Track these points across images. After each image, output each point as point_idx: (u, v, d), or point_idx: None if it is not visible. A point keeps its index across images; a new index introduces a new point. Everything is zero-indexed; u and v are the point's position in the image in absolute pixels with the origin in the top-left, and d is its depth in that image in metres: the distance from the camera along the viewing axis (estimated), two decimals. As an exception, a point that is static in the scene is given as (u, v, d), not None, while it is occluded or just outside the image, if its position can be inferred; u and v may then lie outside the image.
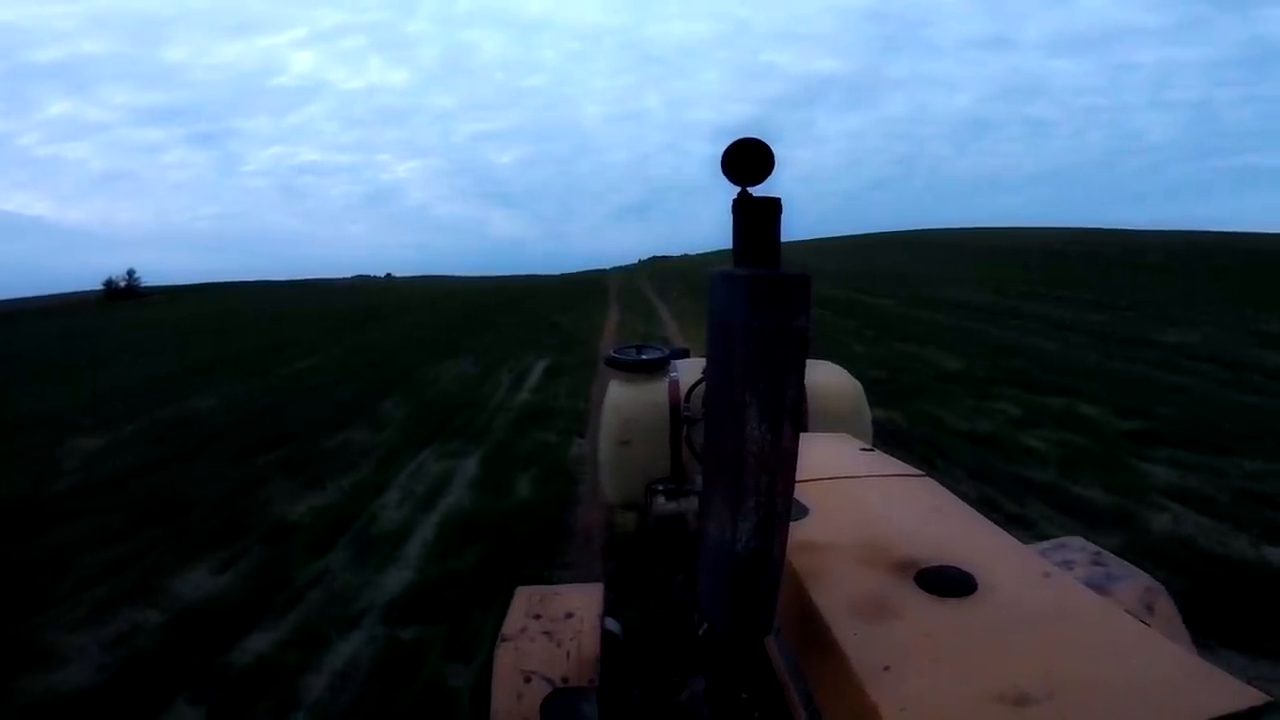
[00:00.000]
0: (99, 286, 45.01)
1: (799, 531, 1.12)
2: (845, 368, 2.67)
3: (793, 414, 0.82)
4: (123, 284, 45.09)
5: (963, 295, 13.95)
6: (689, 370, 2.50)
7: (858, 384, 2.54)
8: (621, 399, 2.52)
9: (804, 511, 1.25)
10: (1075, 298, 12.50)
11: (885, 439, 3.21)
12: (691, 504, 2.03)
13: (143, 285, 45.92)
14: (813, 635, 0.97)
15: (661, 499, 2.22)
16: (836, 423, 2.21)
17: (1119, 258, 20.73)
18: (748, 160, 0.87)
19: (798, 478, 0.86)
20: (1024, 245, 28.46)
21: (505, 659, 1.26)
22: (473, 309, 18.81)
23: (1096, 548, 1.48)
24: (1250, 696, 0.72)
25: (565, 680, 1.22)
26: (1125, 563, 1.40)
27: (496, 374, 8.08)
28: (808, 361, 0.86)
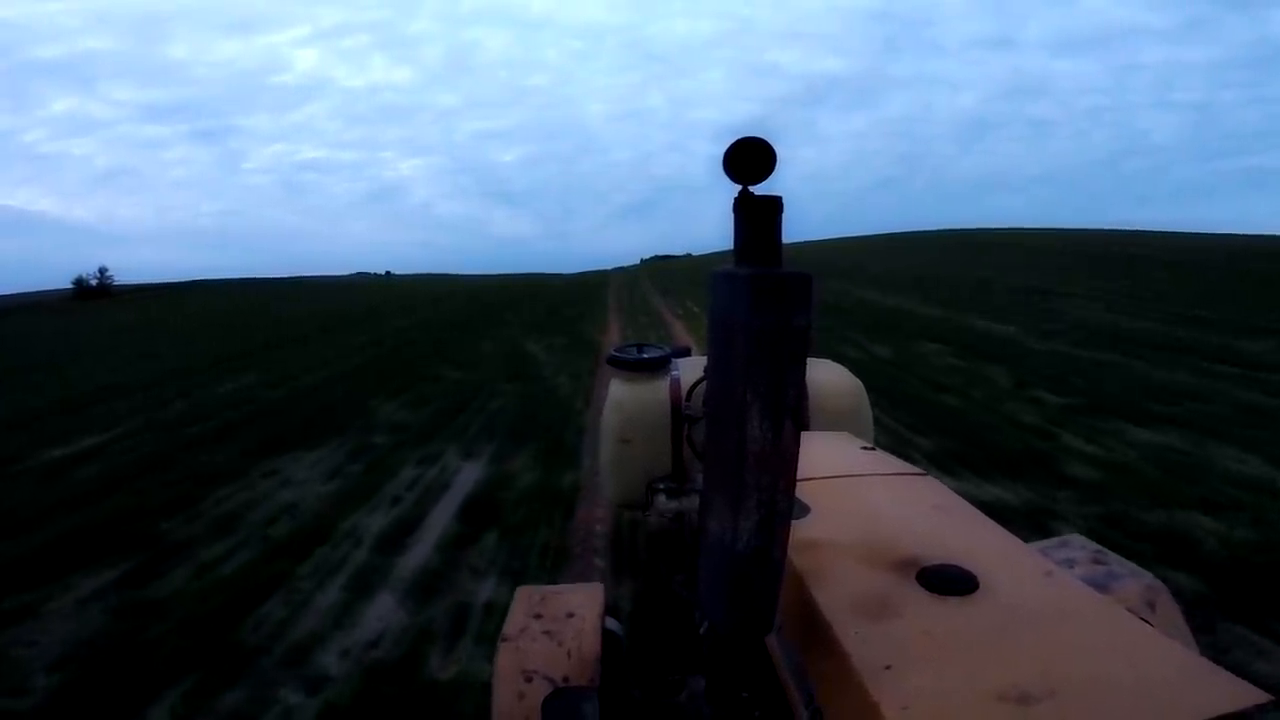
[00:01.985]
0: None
1: (800, 530, 1.12)
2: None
3: (794, 412, 0.82)
4: (94, 282, 42.31)
5: (1090, 315, 10.52)
6: (690, 369, 2.50)
7: (858, 382, 2.54)
8: (623, 397, 2.52)
9: (805, 510, 1.25)
10: (1245, 322, 9.16)
11: None
12: (692, 502, 2.03)
13: (115, 283, 43.21)
14: (814, 634, 0.97)
15: (662, 497, 2.22)
16: (838, 421, 2.22)
17: (1223, 265, 17.42)
18: (749, 159, 0.87)
19: (799, 476, 0.86)
20: (1083, 248, 25.33)
21: (506, 658, 1.26)
22: (415, 335, 13.36)
23: (1098, 546, 1.48)
24: (1252, 695, 0.72)
25: (566, 680, 1.22)
26: (1127, 561, 1.41)
27: (371, 500, 4.23)
28: (808, 360, 0.86)
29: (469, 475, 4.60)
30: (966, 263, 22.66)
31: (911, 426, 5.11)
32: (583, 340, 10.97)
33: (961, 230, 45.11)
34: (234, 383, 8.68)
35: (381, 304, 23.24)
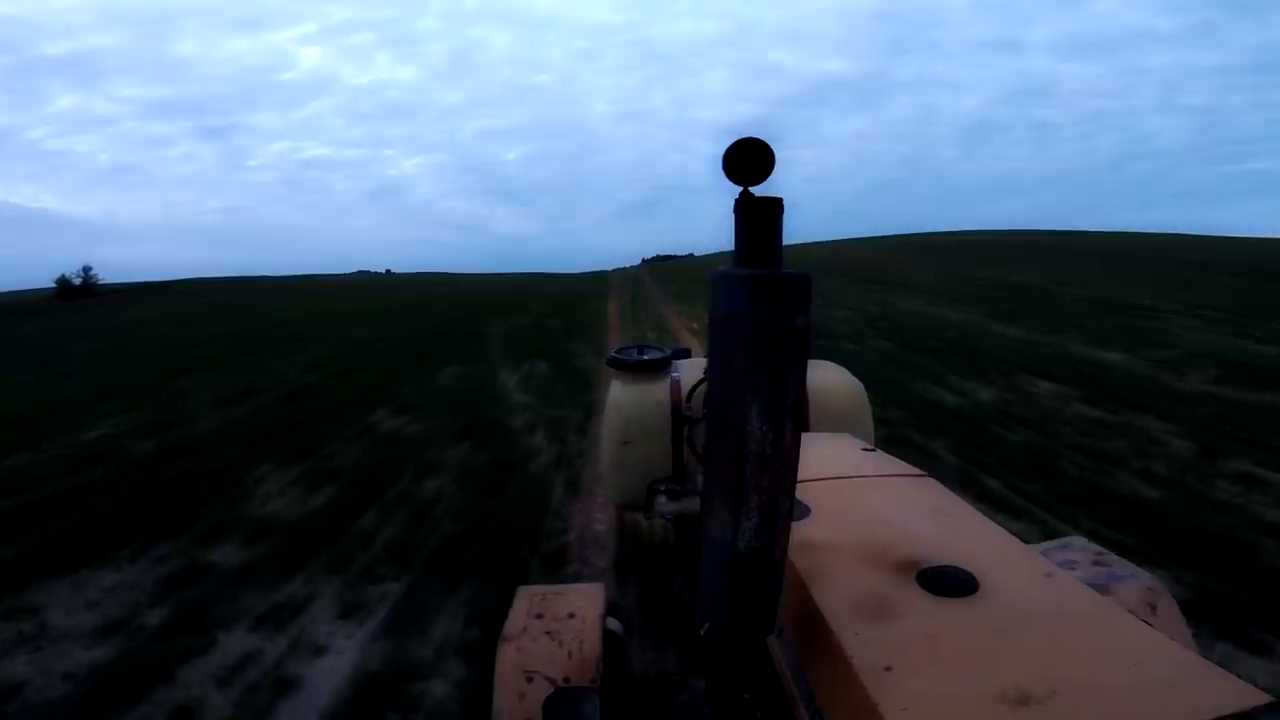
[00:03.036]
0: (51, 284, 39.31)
1: (800, 531, 1.12)
2: None
3: (794, 414, 0.82)
4: (77, 281, 39.85)
5: (1199, 336, 8.39)
6: (690, 370, 2.50)
7: (859, 384, 2.54)
8: (623, 399, 2.52)
9: (805, 511, 1.25)
10: None
11: None
12: (693, 504, 2.03)
13: (100, 282, 40.72)
14: (814, 635, 0.97)
15: (663, 499, 2.22)
16: (838, 423, 2.21)
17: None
18: (749, 160, 0.87)
19: (799, 477, 0.86)
20: (1103, 248, 23.67)
21: (507, 659, 1.26)
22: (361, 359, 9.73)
23: (1099, 547, 1.48)
24: (1252, 696, 0.72)
25: (567, 680, 1.22)
26: (1127, 563, 1.40)
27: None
28: (809, 361, 0.86)
29: (339, 665, 2.49)
30: (994, 266, 19.79)
31: (1121, 544, 3.03)
32: (573, 369, 8.03)
33: (967, 232, 43.03)
34: (102, 428, 6.14)
35: (361, 307, 19.45)
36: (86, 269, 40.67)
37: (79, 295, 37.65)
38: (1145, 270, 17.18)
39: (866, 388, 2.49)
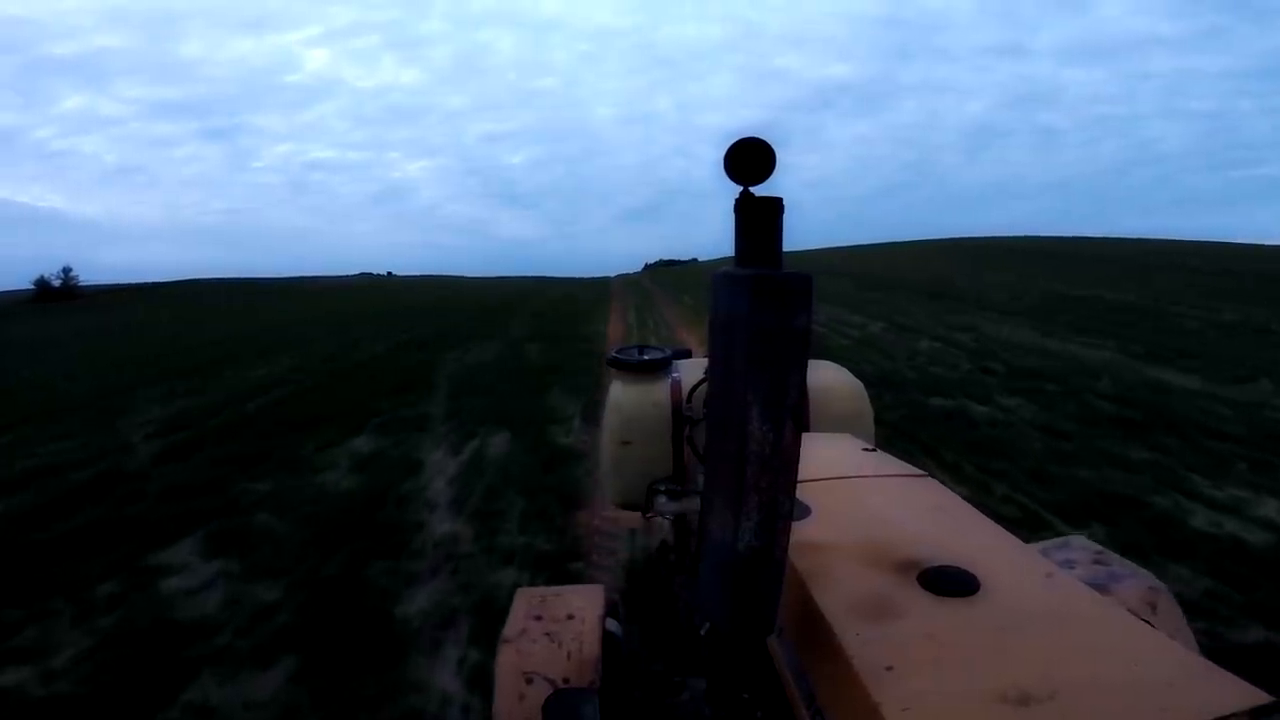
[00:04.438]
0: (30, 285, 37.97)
1: (801, 531, 1.12)
2: None
3: (795, 414, 0.82)
4: (57, 283, 38.71)
5: None
6: (691, 370, 2.50)
7: (860, 384, 2.54)
8: (623, 399, 2.52)
9: (806, 511, 1.25)
10: None
11: None
12: (693, 504, 2.03)
13: (80, 284, 39.59)
14: (815, 635, 0.97)
15: (663, 499, 2.22)
16: (839, 423, 2.21)
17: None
18: (749, 160, 0.88)
19: (800, 477, 0.86)
20: (1122, 255, 21.80)
21: (506, 660, 1.26)
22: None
23: (1099, 547, 1.48)
24: (1254, 696, 0.72)
25: (566, 681, 1.22)
26: (1128, 562, 1.40)
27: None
28: (809, 361, 0.86)
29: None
30: (1062, 278, 16.79)
31: None
32: (550, 451, 5.00)
33: (975, 238, 42.06)
34: None
35: (330, 316, 17.42)
36: (66, 270, 39.22)
37: (58, 298, 36.28)
38: (1202, 281, 15.00)
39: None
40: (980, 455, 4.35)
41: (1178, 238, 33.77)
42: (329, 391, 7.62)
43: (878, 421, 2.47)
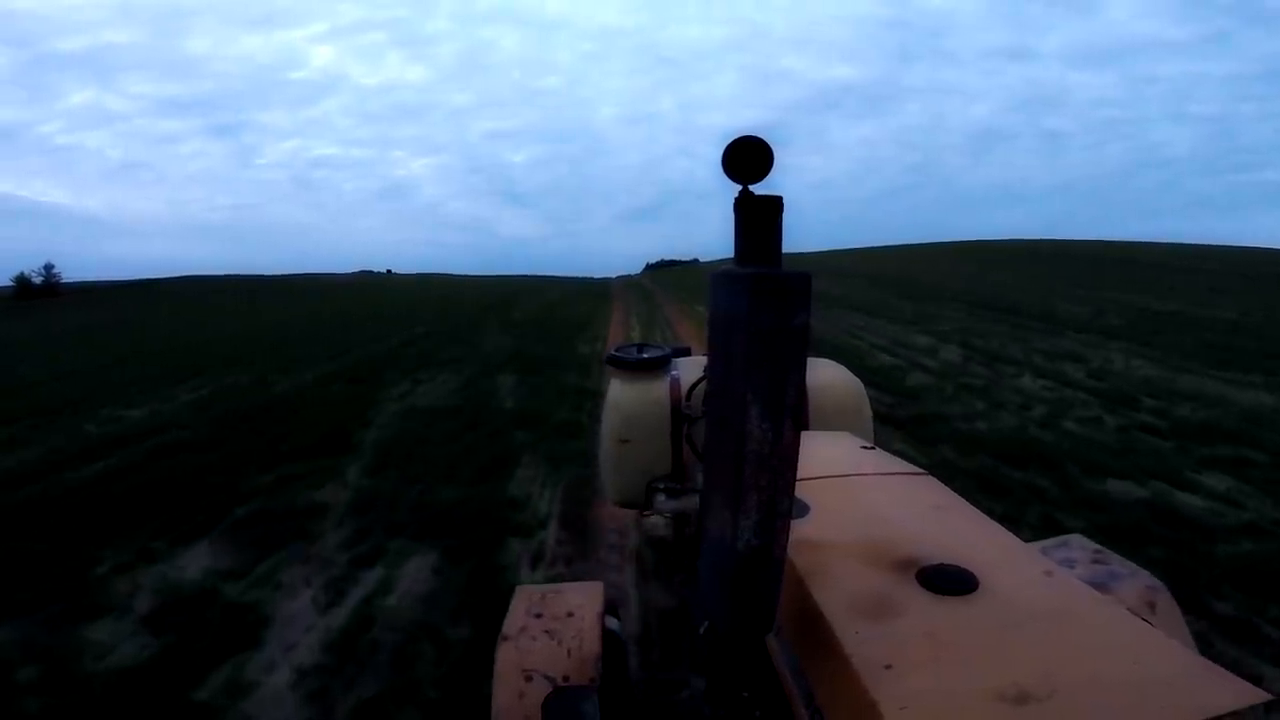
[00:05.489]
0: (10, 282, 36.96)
1: (800, 530, 1.12)
2: None
3: (794, 412, 0.82)
4: (38, 280, 37.82)
5: None
6: (690, 368, 2.50)
7: (858, 382, 2.54)
8: (622, 397, 2.52)
9: (805, 510, 1.25)
10: None
11: None
12: (692, 502, 2.03)
13: (63, 281, 38.68)
14: (814, 634, 0.97)
15: (662, 497, 2.22)
16: (837, 421, 2.21)
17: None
18: (748, 158, 0.88)
19: (799, 476, 0.86)
20: (1142, 260, 20.64)
21: (506, 658, 1.26)
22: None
23: (1098, 546, 1.48)
24: (1252, 695, 0.72)
25: (566, 679, 1.22)
26: (1127, 561, 1.40)
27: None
28: (808, 359, 0.86)
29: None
30: (1128, 287, 15.06)
31: None
32: (502, 581, 2.87)
33: (984, 240, 41.23)
34: None
35: (290, 322, 15.56)
36: (48, 266, 38.31)
37: (40, 295, 35.35)
38: (1223, 283, 14.15)
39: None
40: (1261, 596, 2.55)
41: (1187, 241, 33.17)
42: (199, 452, 5.16)
43: (1052, 529, 1.96)
